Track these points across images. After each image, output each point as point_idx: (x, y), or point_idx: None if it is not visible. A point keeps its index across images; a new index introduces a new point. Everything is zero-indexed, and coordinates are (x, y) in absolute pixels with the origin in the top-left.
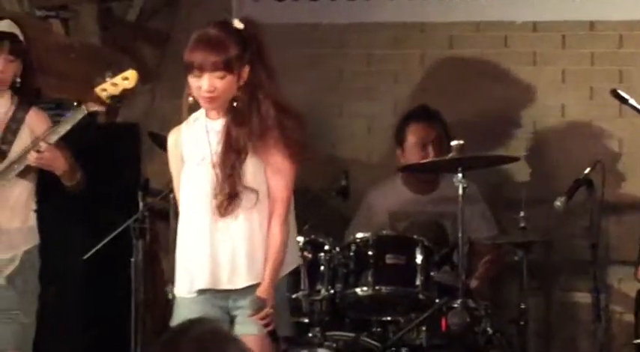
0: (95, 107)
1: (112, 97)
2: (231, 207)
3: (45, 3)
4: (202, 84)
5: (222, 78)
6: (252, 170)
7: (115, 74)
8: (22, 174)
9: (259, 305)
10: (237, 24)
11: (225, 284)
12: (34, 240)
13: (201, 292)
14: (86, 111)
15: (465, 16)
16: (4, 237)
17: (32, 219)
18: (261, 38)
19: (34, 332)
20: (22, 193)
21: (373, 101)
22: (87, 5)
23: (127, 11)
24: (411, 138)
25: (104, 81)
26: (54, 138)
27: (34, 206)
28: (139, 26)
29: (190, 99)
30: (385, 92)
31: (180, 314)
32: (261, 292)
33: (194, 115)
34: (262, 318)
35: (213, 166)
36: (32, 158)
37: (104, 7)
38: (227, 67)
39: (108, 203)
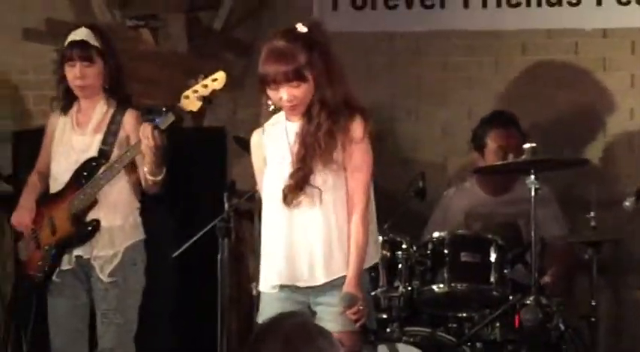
0: (188, 108)
1: (203, 98)
2: (295, 199)
3: (135, 13)
4: (282, 95)
5: (298, 86)
6: (327, 167)
7: (205, 76)
8: (122, 174)
9: (351, 301)
10: (301, 28)
11: (304, 282)
12: (136, 236)
13: (282, 288)
14: (174, 117)
15: (536, 23)
16: (106, 234)
17: (135, 216)
18: (325, 40)
19: (135, 328)
20: (121, 192)
21: (448, 106)
22: (175, 15)
23: (213, 21)
24: (492, 144)
25: (196, 83)
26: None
27: (137, 203)
28: (225, 35)
29: (271, 106)
30: (460, 97)
31: (264, 309)
32: (349, 287)
33: (275, 117)
34: (354, 313)
35: (292, 165)
36: (147, 132)
37: (191, 16)
38: (299, 75)
39: (196, 204)
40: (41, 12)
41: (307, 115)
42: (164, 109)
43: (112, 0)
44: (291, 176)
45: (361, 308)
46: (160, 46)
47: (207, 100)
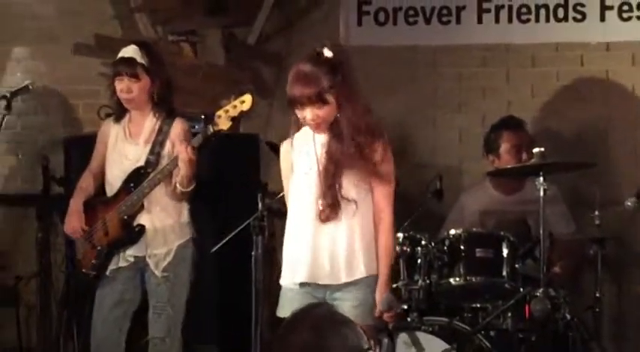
0: (219, 127)
1: (232, 118)
2: (331, 215)
3: (176, 29)
4: (306, 115)
5: (320, 108)
6: (353, 182)
7: (235, 97)
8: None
9: (391, 304)
10: (327, 53)
11: (324, 280)
12: (187, 234)
13: (302, 285)
14: (212, 130)
15: (545, 38)
16: (160, 234)
17: (185, 216)
18: (347, 64)
19: (183, 319)
20: (171, 196)
21: (464, 114)
22: (212, 30)
23: (247, 35)
24: (506, 145)
25: (227, 103)
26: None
27: (186, 205)
28: (258, 48)
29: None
30: (474, 106)
31: (284, 303)
32: (382, 290)
33: (303, 130)
34: (390, 317)
35: (319, 175)
36: (189, 151)
37: (227, 31)
38: (321, 98)
39: (232, 204)
40: (91, 28)
41: (333, 130)
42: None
43: (156, 17)
44: (325, 195)
45: (398, 312)
46: (199, 59)
47: (236, 120)
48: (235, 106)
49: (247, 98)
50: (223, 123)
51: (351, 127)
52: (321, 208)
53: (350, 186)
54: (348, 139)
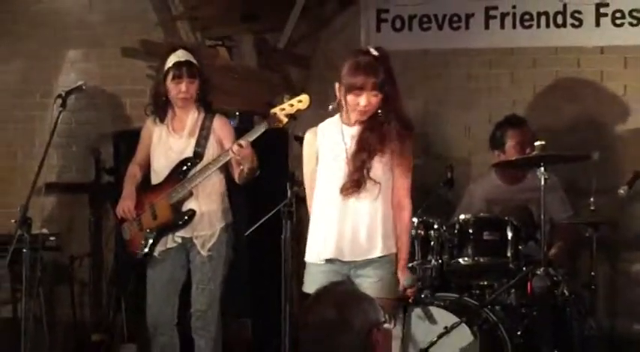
0: (275, 123)
1: (289, 115)
2: (354, 190)
3: (213, 34)
4: (360, 100)
5: (375, 96)
6: (380, 167)
7: (291, 97)
8: (217, 171)
9: (413, 282)
10: (374, 52)
11: (347, 257)
12: (228, 218)
13: (327, 261)
14: (268, 126)
15: (545, 42)
16: (205, 218)
17: (226, 202)
18: (390, 63)
19: (222, 293)
20: (215, 184)
21: (472, 111)
22: (246, 36)
23: (277, 40)
24: (511, 141)
25: (282, 102)
26: (249, 139)
27: (226, 192)
28: (287, 52)
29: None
30: (482, 104)
31: (308, 279)
32: (403, 269)
33: (328, 120)
34: (412, 292)
35: (347, 163)
36: (235, 150)
37: (259, 37)
38: (380, 87)
39: (264, 192)
40: (137, 34)
41: (368, 122)
42: (237, 114)
43: (195, 24)
44: (354, 172)
45: (417, 288)
46: (233, 61)
47: (292, 117)
48: (292, 105)
49: (305, 98)
50: (279, 121)
51: (393, 117)
52: (345, 184)
53: (378, 170)
54: (384, 129)
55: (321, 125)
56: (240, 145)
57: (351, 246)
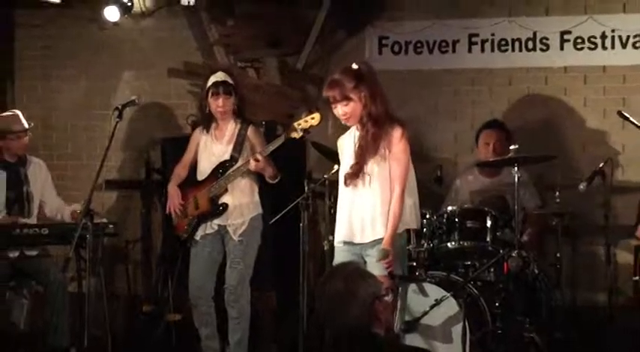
0: (292, 135)
1: (303, 130)
2: (351, 181)
3: (243, 57)
4: (337, 111)
5: (346, 105)
6: (375, 162)
7: (307, 114)
8: (248, 171)
9: (384, 254)
10: (354, 66)
11: (357, 239)
12: (257, 210)
13: (345, 243)
14: (285, 139)
15: (519, 63)
16: (237, 209)
17: (256, 197)
18: (373, 74)
19: (251, 272)
20: (247, 181)
21: (457, 121)
22: (270, 59)
23: (296, 62)
24: (481, 141)
25: (300, 118)
26: (266, 152)
27: (257, 188)
28: (305, 72)
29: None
30: (466, 115)
31: (334, 257)
32: (385, 244)
33: (350, 130)
34: (386, 263)
35: (353, 161)
36: (252, 165)
37: (281, 59)
38: (345, 97)
39: (286, 187)
40: (180, 57)
41: (365, 126)
42: (263, 123)
43: (228, 49)
44: (351, 167)
45: (390, 259)
46: (260, 80)
47: (306, 132)
48: (307, 121)
49: (317, 116)
50: (296, 134)
51: (372, 120)
52: (345, 176)
53: (373, 164)
54: (370, 128)
55: (346, 133)
56: (257, 159)
57: (360, 229)
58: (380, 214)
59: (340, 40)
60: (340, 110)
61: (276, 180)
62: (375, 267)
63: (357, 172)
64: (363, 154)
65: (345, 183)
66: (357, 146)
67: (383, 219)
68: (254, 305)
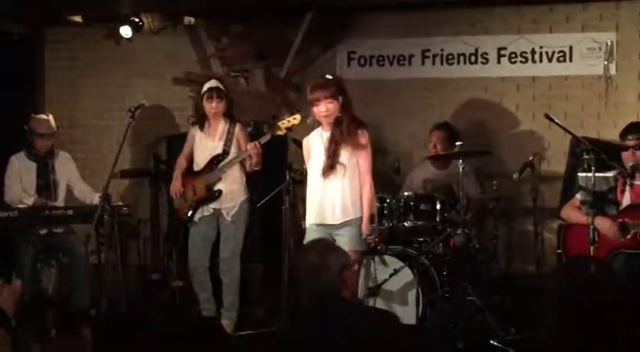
0: (277, 133)
1: (286, 128)
2: (330, 172)
3: (235, 68)
4: (321, 108)
5: (331, 102)
6: (346, 154)
7: (290, 115)
8: (238, 165)
9: (376, 231)
10: (329, 76)
11: (329, 221)
12: (245, 195)
13: (317, 225)
14: (271, 135)
15: (465, 74)
16: (229, 194)
17: (244, 183)
18: (342, 84)
19: (241, 247)
20: (237, 171)
21: (413, 121)
22: (258, 69)
23: (279, 72)
24: (430, 138)
25: (283, 118)
26: (263, 141)
27: (244, 178)
28: (286, 80)
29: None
30: (420, 116)
31: (306, 237)
32: (366, 225)
33: (315, 131)
34: (375, 239)
35: (326, 155)
36: (251, 147)
37: (267, 69)
38: (332, 96)
39: (271, 176)
40: (183, 68)
41: (335, 125)
42: (251, 123)
43: (223, 61)
44: (327, 159)
45: (378, 237)
46: (249, 87)
47: (289, 129)
48: (289, 121)
49: (298, 116)
50: (280, 131)
51: (347, 121)
52: (324, 169)
53: (344, 157)
54: (345, 129)
55: (311, 134)
56: (256, 144)
57: (331, 212)
58: (350, 200)
59: (316, 55)
60: (324, 107)
61: (257, 169)
62: (344, 243)
63: (333, 164)
64: (337, 149)
65: (323, 174)
66: (329, 143)
67: (352, 205)
68: (243, 274)
